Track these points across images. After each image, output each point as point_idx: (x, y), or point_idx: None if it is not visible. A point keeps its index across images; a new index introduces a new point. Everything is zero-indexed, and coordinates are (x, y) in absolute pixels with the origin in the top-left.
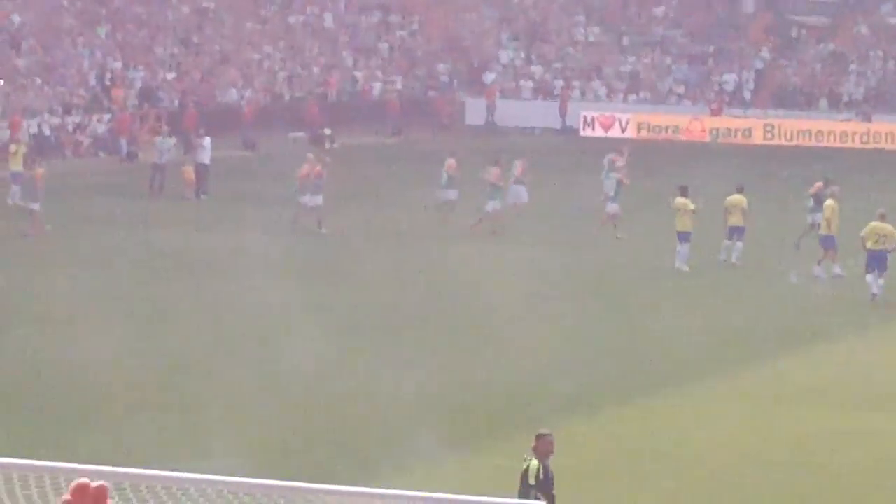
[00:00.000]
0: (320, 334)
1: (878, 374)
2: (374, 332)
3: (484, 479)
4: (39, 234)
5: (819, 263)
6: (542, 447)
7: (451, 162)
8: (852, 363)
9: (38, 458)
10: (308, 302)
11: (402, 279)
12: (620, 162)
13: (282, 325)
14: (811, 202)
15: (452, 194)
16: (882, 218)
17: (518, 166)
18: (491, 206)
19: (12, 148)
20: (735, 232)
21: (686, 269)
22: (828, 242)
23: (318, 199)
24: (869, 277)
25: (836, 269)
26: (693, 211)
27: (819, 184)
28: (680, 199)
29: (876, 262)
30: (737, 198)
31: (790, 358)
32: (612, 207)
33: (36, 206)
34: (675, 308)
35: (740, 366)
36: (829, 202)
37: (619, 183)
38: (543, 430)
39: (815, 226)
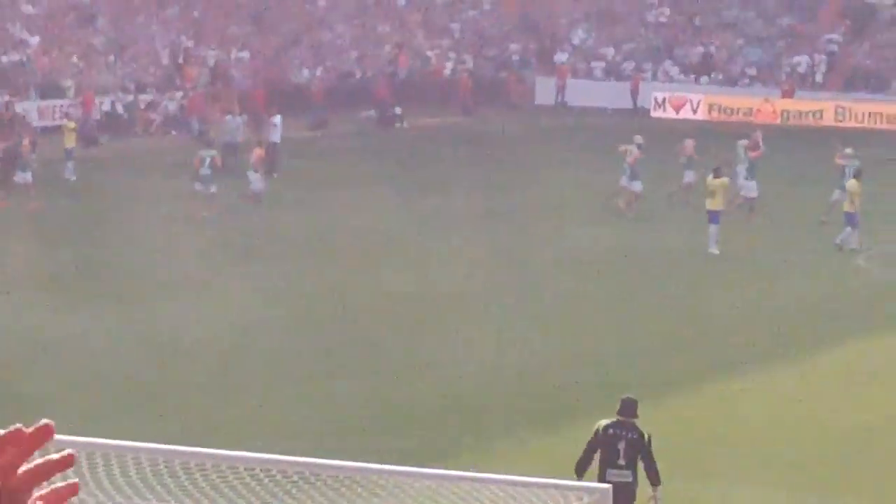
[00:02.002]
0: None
1: None
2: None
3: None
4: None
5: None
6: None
7: (688, 143)
8: None
9: None
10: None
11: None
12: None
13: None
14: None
15: (691, 176)
16: None
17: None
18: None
19: (68, 125)
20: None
21: (716, 252)
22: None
23: (637, 186)
24: None
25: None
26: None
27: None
28: (714, 180)
29: None
30: (852, 183)
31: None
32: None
33: (212, 189)
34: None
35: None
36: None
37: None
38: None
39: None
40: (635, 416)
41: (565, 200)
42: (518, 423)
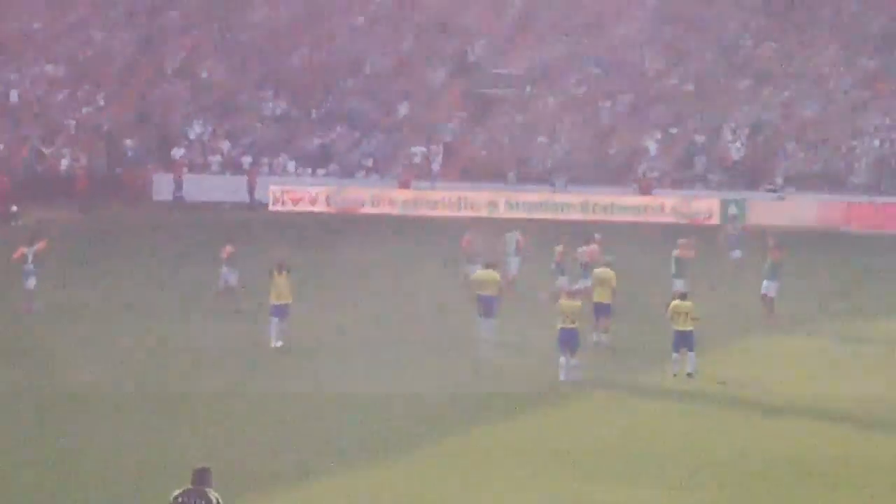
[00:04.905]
0: None
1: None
2: None
3: None
4: None
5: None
6: None
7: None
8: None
9: None
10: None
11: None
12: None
13: None
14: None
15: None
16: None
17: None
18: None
19: None
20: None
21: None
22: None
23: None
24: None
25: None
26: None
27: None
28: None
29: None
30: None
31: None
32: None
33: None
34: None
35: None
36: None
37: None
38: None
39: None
40: (209, 484)
41: (184, 296)
42: None
